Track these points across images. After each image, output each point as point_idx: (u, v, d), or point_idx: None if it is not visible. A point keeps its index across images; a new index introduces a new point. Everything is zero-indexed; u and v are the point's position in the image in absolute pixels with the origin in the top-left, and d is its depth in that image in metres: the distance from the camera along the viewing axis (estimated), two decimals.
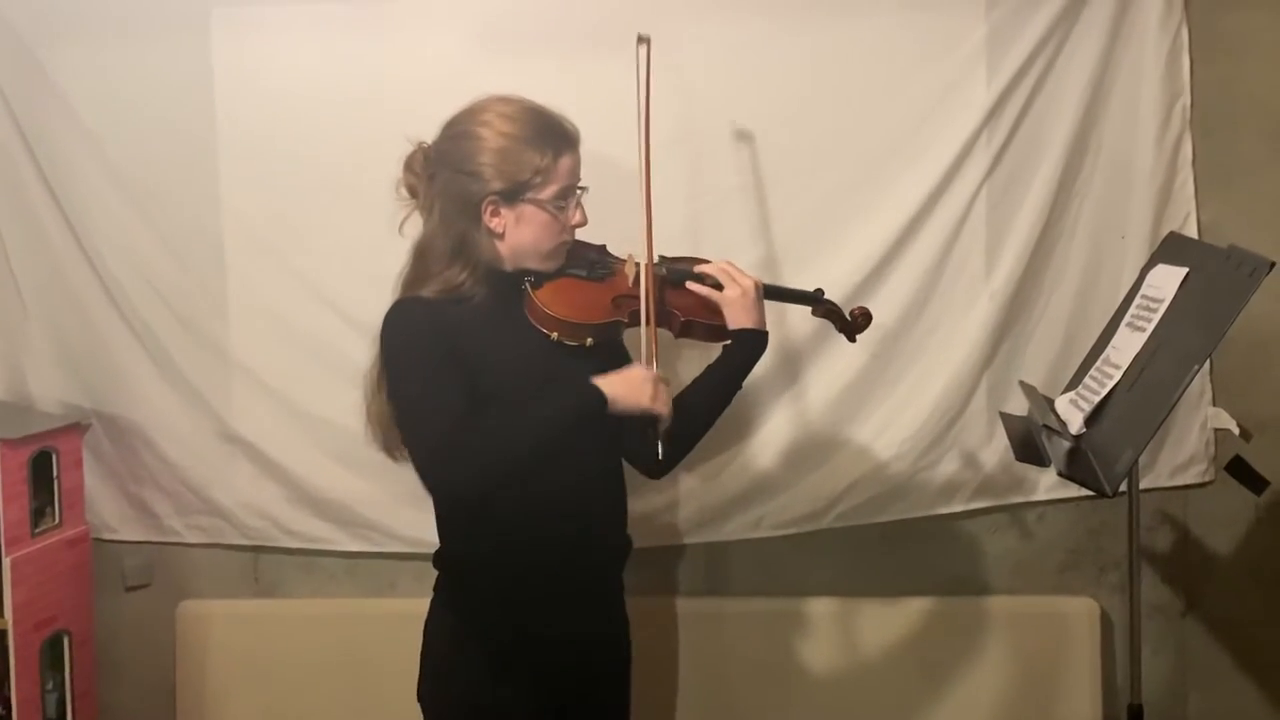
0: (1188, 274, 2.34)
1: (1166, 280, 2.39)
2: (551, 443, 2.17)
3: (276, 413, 3.05)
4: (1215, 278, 2.27)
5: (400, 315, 2.22)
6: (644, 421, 2.21)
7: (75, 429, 3.06)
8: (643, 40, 2.36)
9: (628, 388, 2.19)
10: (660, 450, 2.23)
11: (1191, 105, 2.94)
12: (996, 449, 2.99)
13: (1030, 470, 2.95)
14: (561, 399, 2.18)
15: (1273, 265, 2.11)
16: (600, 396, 2.16)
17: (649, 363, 2.24)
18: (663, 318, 2.33)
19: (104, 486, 3.15)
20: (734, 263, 2.38)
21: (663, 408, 2.20)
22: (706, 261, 2.44)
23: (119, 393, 3.10)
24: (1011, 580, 3.11)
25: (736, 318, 2.34)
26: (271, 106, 2.99)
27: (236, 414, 3.07)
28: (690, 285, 2.36)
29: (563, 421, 2.17)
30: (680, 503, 3.03)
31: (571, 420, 2.18)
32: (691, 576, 3.14)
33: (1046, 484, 3.01)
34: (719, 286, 2.35)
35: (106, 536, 3.17)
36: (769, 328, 2.38)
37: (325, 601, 3.18)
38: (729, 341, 2.36)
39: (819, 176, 2.96)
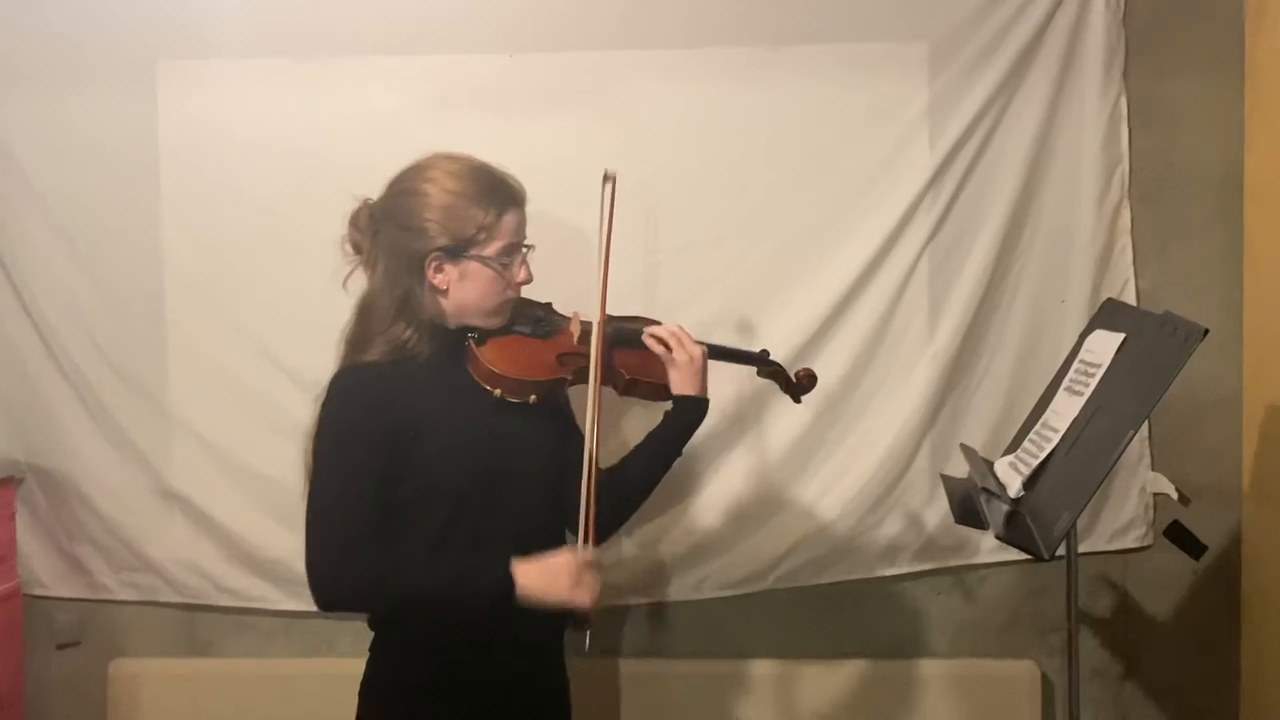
0: (1125, 339, 2.37)
1: (1104, 345, 2.41)
2: (443, 606, 2.15)
3: (215, 468, 3.02)
4: (1151, 344, 2.29)
5: (338, 389, 2.20)
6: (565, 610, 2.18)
7: (9, 482, 3.02)
8: (609, 178, 2.35)
9: (544, 579, 2.14)
10: (586, 643, 2.19)
11: (1130, 173, 2.99)
12: (938, 511, 2.99)
13: (972, 532, 2.96)
14: (469, 574, 2.15)
15: (1206, 332, 2.14)
16: (509, 586, 2.12)
17: (582, 539, 2.19)
18: (608, 375, 2.33)
19: (37, 541, 3.10)
20: (683, 327, 2.39)
21: (584, 599, 2.15)
22: (653, 321, 2.45)
23: (54, 446, 3.06)
24: (953, 643, 3.11)
25: (680, 384, 2.35)
26: (216, 160, 2.99)
27: (174, 469, 3.03)
28: (645, 339, 2.36)
29: (460, 595, 2.14)
30: (623, 563, 3.02)
31: (470, 597, 2.15)
32: (634, 637, 3.12)
33: (988, 546, 3.02)
34: (667, 348, 2.36)
35: (38, 592, 3.11)
36: (713, 387, 2.38)
37: (261, 661, 3.13)
38: (672, 399, 2.37)
39: (765, 237, 2.98)
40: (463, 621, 2.19)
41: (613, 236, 2.33)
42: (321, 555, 2.12)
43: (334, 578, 2.12)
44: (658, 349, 2.36)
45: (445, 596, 2.14)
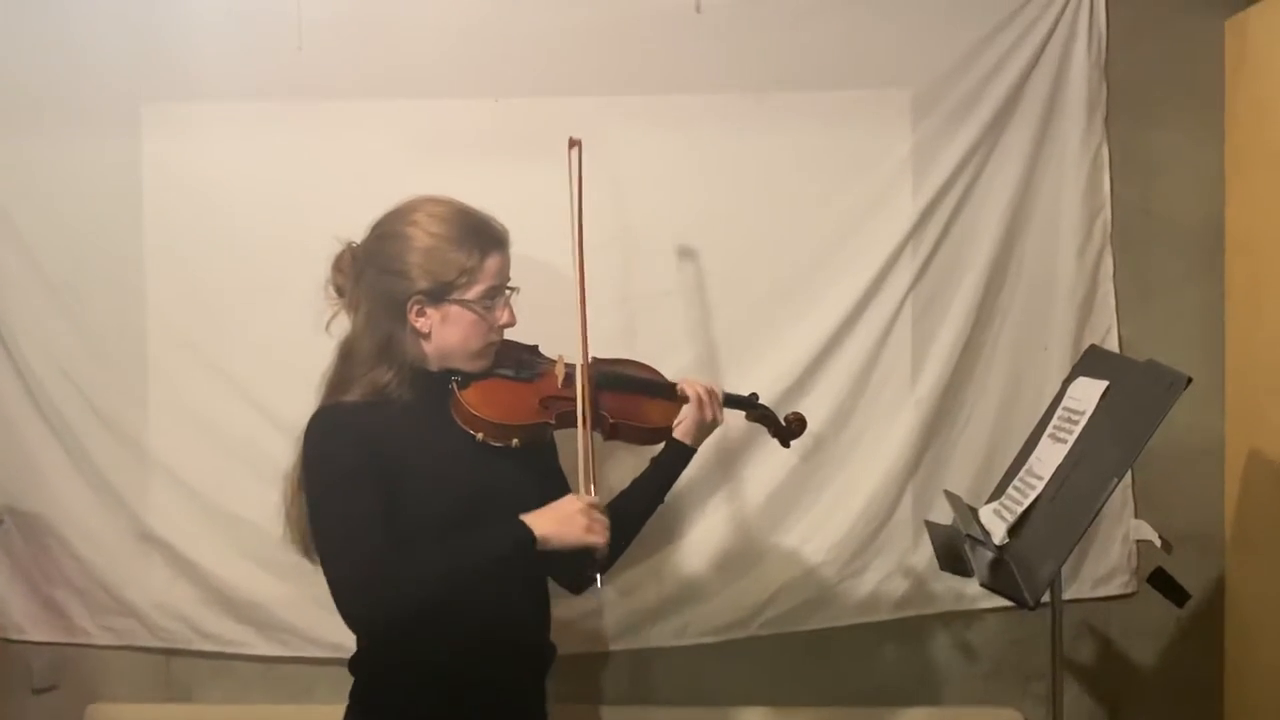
0: (1108, 387, 2.38)
1: (1088, 393, 2.42)
2: (474, 583, 2.14)
3: (194, 512, 2.99)
4: (1135, 391, 2.30)
5: (321, 426, 2.19)
6: (579, 554, 2.18)
7: None
8: (574, 144, 2.39)
9: (559, 524, 2.15)
10: (600, 580, 2.20)
11: (1112, 221, 3.00)
12: (922, 557, 2.98)
13: (956, 579, 2.95)
14: (488, 542, 2.15)
15: (1189, 381, 2.15)
16: (529, 536, 2.13)
17: (585, 482, 2.21)
18: (593, 420, 2.33)
19: (13, 585, 3.06)
20: (716, 389, 2.44)
21: (598, 538, 2.16)
22: (640, 364, 2.47)
23: (33, 488, 3.02)
24: (937, 690, 3.09)
25: (684, 431, 2.39)
26: (199, 202, 2.97)
27: (153, 513, 3.00)
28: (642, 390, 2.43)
29: (488, 564, 2.14)
30: (605, 609, 3.00)
31: (498, 562, 2.15)
32: (616, 684, 3.09)
33: (972, 594, 3.01)
34: (666, 395, 2.39)
35: (14, 637, 3.07)
36: None
37: (240, 708, 3.09)
38: (658, 444, 2.37)
39: (749, 283, 2.98)
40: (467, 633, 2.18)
41: (584, 211, 2.40)
42: (343, 577, 2.08)
43: (362, 597, 2.07)
44: (687, 392, 2.41)
45: (470, 574, 2.13)
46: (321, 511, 2.14)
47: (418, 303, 2.21)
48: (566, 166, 2.40)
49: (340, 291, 2.33)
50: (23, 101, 2.99)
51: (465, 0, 2.95)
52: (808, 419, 2.64)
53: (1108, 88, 2.98)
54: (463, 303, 2.22)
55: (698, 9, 2.93)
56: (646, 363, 2.54)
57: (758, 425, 2.65)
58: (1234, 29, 2.95)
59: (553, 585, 2.41)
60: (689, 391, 2.41)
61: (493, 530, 2.15)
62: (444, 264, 2.20)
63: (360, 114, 2.96)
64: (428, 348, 2.24)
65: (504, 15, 2.94)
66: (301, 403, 2.26)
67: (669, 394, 2.44)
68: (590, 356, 2.38)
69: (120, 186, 2.99)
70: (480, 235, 2.24)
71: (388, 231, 2.25)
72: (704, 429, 2.41)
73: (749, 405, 2.60)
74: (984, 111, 2.95)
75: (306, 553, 2.28)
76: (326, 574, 2.11)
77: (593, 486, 2.21)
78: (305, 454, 2.18)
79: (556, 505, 2.18)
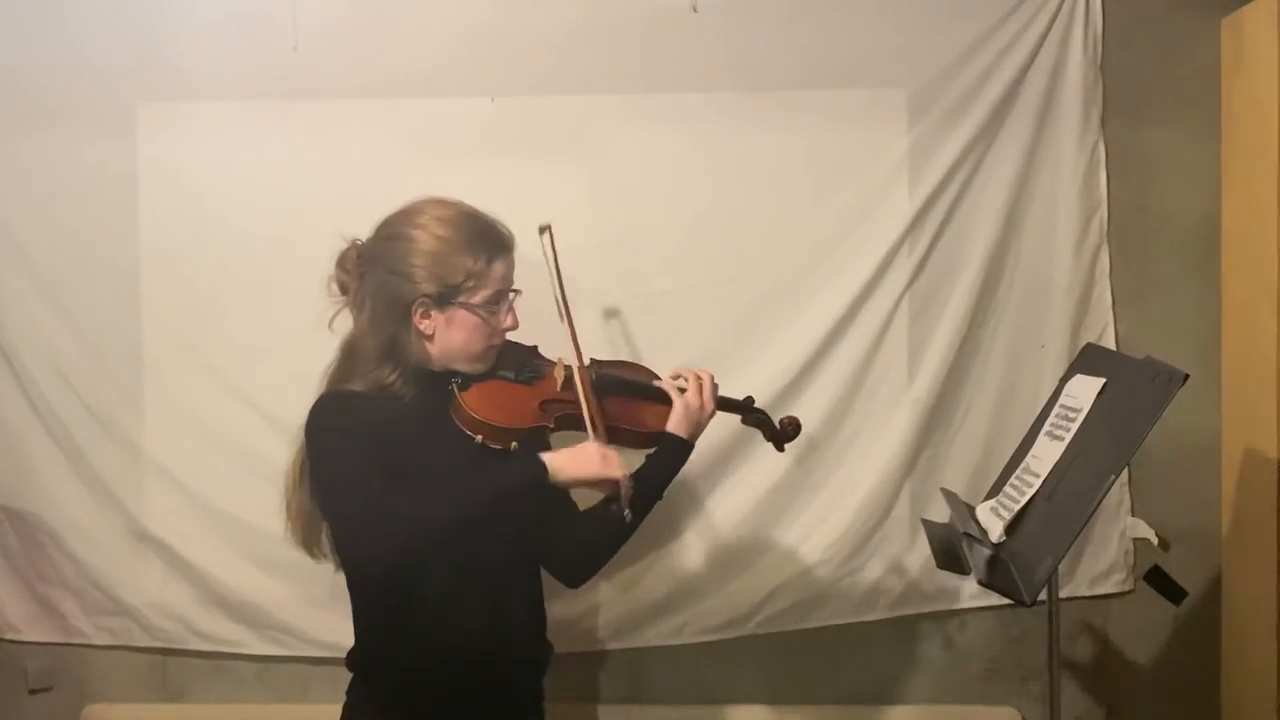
0: (1105, 384, 2.38)
1: (1084, 390, 2.42)
2: (481, 513, 2.13)
3: (190, 512, 2.99)
4: (1131, 389, 2.30)
5: (327, 406, 2.21)
6: (603, 494, 2.19)
7: None
8: (543, 229, 2.38)
9: (573, 458, 2.17)
10: (628, 514, 2.18)
11: (1108, 219, 3.01)
12: (919, 556, 2.98)
13: (953, 578, 2.95)
14: (498, 475, 2.15)
15: (1186, 377, 2.15)
16: (540, 466, 2.13)
17: (592, 433, 2.23)
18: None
19: (9, 584, 3.05)
20: (714, 378, 2.42)
21: (616, 471, 2.16)
22: (639, 367, 2.46)
23: (28, 488, 3.02)
24: (934, 689, 3.09)
25: (676, 423, 2.35)
26: (196, 202, 2.97)
27: (149, 512, 2.99)
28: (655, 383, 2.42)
29: (496, 491, 2.14)
30: (601, 608, 3.00)
31: (505, 496, 2.14)
32: (613, 683, 3.09)
33: (969, 592, 3.01)
34: (665, 398, 2.37)
35: (9, 637, 3.07)
36: None
37: (235, 707, 3.08)
38: (653, 449, 2.37)
39: (746, 282, 2.98)
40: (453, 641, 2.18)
41: (565, 284, 2.37)
42: (347, 512, 2.09)
43: (365, 526, 2.07)
44: (677, 383, 2.38)
45: (476, 501, 2.12)
46: (324, 469, 2.15)
47: (423, 305, 2.21)
48: (541, 249, 2.39)
49: (343, 289, 2.33)
50: (18, 102, 2.98)
51: (462, 0, 2.95)
52: (803, 419, 2.64)
53: (1104, 86, 2.98)
54: (468, 306, 2.22)
55: (694, 8, 2.93)
56: (645, 365, 2.54)
57: (753, 429, 2.64)
58: (1230, 27, 2.95)
59: (550, 585, 2.41)
60: (681, 378, 2.40)
61: (503, 466, 2.16)
62: (450, 268, 2.20)
63: (356, 114, 2.96)
64: (431, 349, 2.25)
65: (500, 14, 2.94)
66: (297, 403, 2.26)
67: (667, 398, 2.43)
68: (590, 358, 2.39)
69: (116, 186, 2.98)
70: (487, 240, 2.24)
71: (394, 233, 2.25)
72: (694, 417, 2.37)
73: (745, 409, 2.59)
74: (980, 110, 2.95)
75: (307, 547, 2.29)
76: (327, 517, 2.15)
77: (604, 434, 2.23)
78: (309, 429, 2.19)
79: (573, 447, 2.19)
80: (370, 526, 2.07)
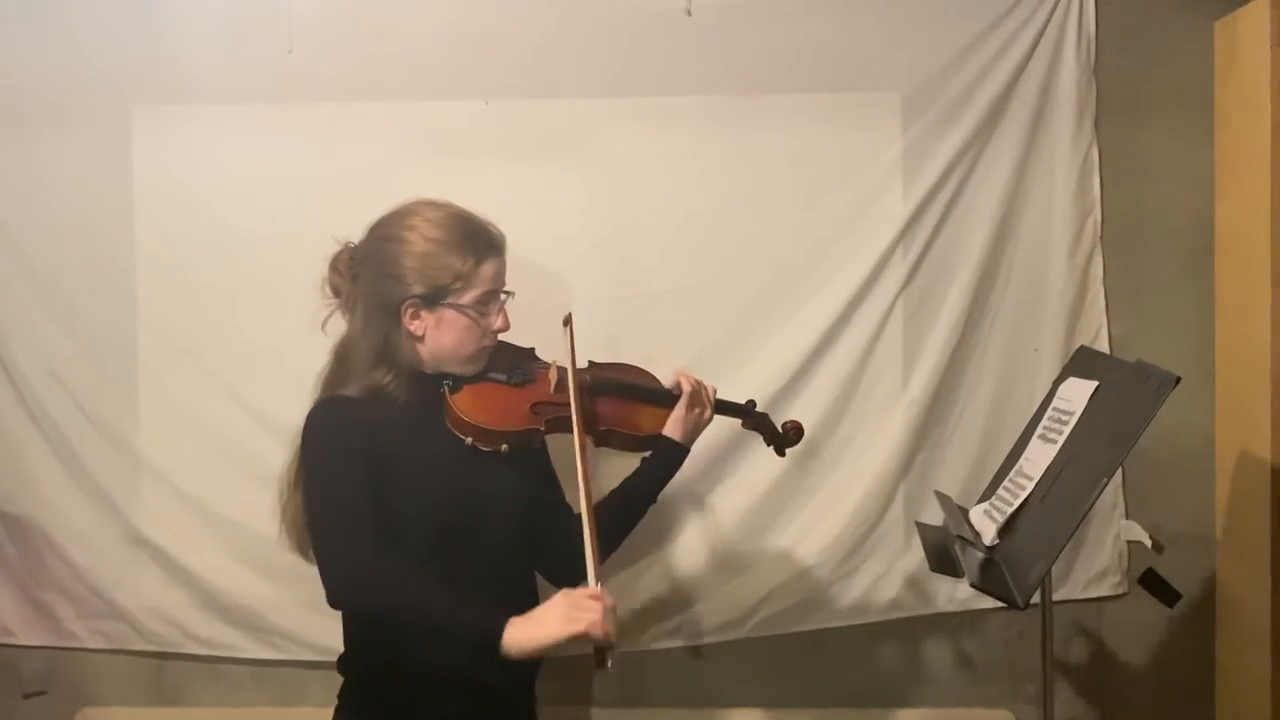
0: (1098, 387, 2.38)
1: (1077, 393, 2.43)
2: (434, 636, 2.08)
3: (186, 515, 2.98)
4: (1124, 392, 2.31)
5: (323, 416, 2.20)
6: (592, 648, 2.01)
7: None
8: (567, 321, 2.40)
9: (528, 625, 1.96)
10: (610, 664, 1.95)
11: (1102, 222, 3.01)
12: (914, 559, 2.98)
13: (947, 581, 2.95)
14: (463, 613, 2.02)
15: (1178, 380, 2.16)
16: (496, 630, 1.95)
17: (593, 576, 2.02)
18: (584, 425, 2.32)
19: (3, 588, 3.05)
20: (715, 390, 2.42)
21: (580, 625, 1.94)
22: (636, 369, 2.46)
23: (23, 491, 3.02)
24: (928, 692, 3.09)
25: (673, 427, 2.37)
26: (192, 204, 2.97)
27: (145, 516, 2.99)
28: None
29: (449, 630, 2.03)
30: None
31: (459, 634, 2.03)
32: (606, 686, 3.09)
33: (964, 595, 3.01)
34: (661, 401, 2.37)
35: (4, 641, 3.07)
36: None
37: (231, 711, 3.08)
38: (647, 453, 2.37)
39: (740, 285, 2.98)
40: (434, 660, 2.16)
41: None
42: (338, 559, 2.06)
43: (350, 585, 2.04)
44: (679, 388, 2.39)
45: (434, 625, 2.04)
46: (318, 495, 2.14)
47: (412, 306, 2.22)
48: (561, 338, 2.39)
49: (336, 291, 2.34)
50: (13, 105, 2.98)
51: (456, 2, 2.95)
52: (802, 423, 2.64)
53: (1097, 89, 2.99)
54: (457, 307, 2.23)
55: (688, 11, 2.93)
56: (642, 367, 2.54)
57: (751, 432, 2.64)
58: (1223, 30, 2.96)
59: (544, 587, 2.41)
60: (679, 383, 2.41)
61: (473, 609, 2.02)
62: (438, 269, 2.21)
63: (351, 116, 2.96)
64: (422, 350, 2.25)
65: (495, 17, 2.94)
66: (293, 405, 2.26)
67: (664, 401, 2.44)
68: (587, 360, 2.39)
69: (111, 189, 2.98)
70: (476, 241, 2.25)
71: (385, 234, 2.26)
72: (693, 424, 2.40)
73: (745, 413, 2.59)
74: (974, 113, 2.95)
75: (302, 551, 2.29)
76: (314, 547, 2.13)
77: (599, 581, 2.01)
78: (305, 440, 2.19)
79: (544, 605, 2.01)
80: (348, 581, 2.05)
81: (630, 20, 2.94)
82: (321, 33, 2.94)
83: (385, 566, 2.06)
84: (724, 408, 2.53)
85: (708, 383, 2.46)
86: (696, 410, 2.39)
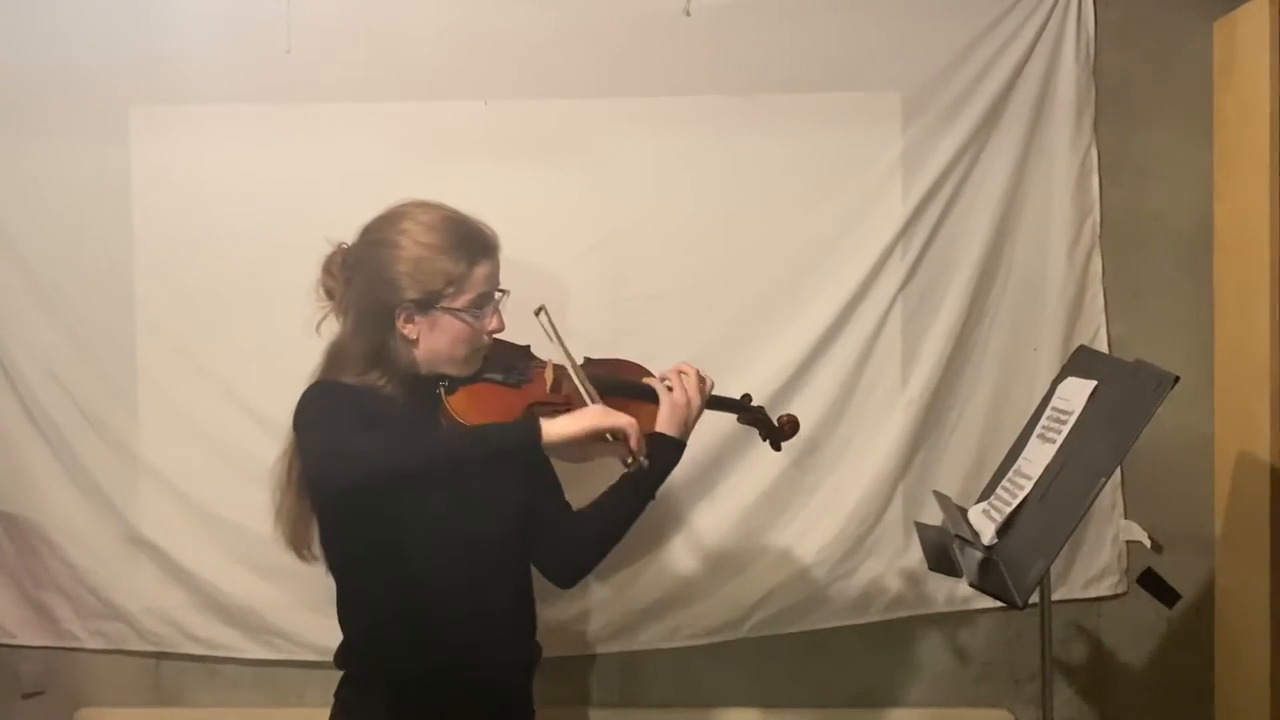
0: (1096, 387, 2.38)
1: (1076, 393, 2.42)
2: (457, 464, 2.08)
3: (184, 515, 2.98)
4: (1123, 391, 2.30)
5: (318, 393, 2.20)
6: (614, 455, 2.14)
7: None
8: (538, 311, 2.33)
9: (570, 417, 2.10)
10: (644, 461, 2.13)
11: (1101, 223, 3.01)
12: (912, 559, 2.98)
13: (946, 580, 2.95)
14: (492, 432, 2.12)
15: (1176, 380, 2.15)
16: (533, 428, 2.06)
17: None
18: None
19: (2, 589, 3.04)
20: (700, 371, 2.37)
21: (618, 419, 2.10)
22: (633, 365, 2.45)
23: (21, 492, 3.01)
24: (927, 692, 3.09)
25: (664, 421, 2.30)
26: (188, 205, 2.97)
27: (143, 516, 2.99)
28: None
29: (479, 444, 2.08)
30: (593, 611, 3.00)
31: (490, 445, 2.09)
32: (604, 687, 3.09)
33: (962, 595, 3.01)
34: (654, 397, 2.33)
35: (3, 641, 3.07)
36: None
37: (229, 711, 3.08)
38: (649, 437, 2.36)
39: (740, 285, 2.98)
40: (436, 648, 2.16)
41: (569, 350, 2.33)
42: (325, 445, 2.05)
43: (340, 457, 2.03)
44: (664, 382, 2.35)
45: (461, 451, 2.08)
46: (303, 433, 2.13)
47: (405, 311, 2.21)
48: (542, 330, 2.35)
49: (329, 294, 2.33)
50: (10, 106, 2.98)
51: (454, 3, 2.95)
52: (798, 417, 2.64)
53: (1096, 89, 2.99)
54: (451, 311, 2.21)
55: (687, 12, 2.92)
56: (636, 362, 2.53)
57: (747, 428, 2.64)
58: (1222, 30, 2.96)
59: (543, 587, 2.41)
60: (665, 377, 2.37)
61: (496, 426, 2.14)
62: (431, 273, 2.20)
63: (349, 116, 2.96)
64: (417, 353, 2.24)
65: (493, 18, 2.94)
66: (291, 406, 2.25)
67: (657, 397, 2.42)
68: (583, 357, 2.38)
69: (109, 189, 2.98)
70: (469, 243, 2.23)
71: (378, 238, 2.25)
72: (681, 414, 2.31)
73: (741, 408, 2.59)
74: (973, 114, 2.95)
75: (296, 549, 2.29)
76: (302, 454, 2.12)
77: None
78: (298, 412, 2.16)
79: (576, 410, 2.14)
80: (340, 455, 2.03)
81: (629, 20, 2.94)
82: (320, 33, 2.93)
83: (391, 434, 2.08)
84: (719, 402, 2.52)
85: (689, 365, 2.40)
86: (684, 401, 2.31)
